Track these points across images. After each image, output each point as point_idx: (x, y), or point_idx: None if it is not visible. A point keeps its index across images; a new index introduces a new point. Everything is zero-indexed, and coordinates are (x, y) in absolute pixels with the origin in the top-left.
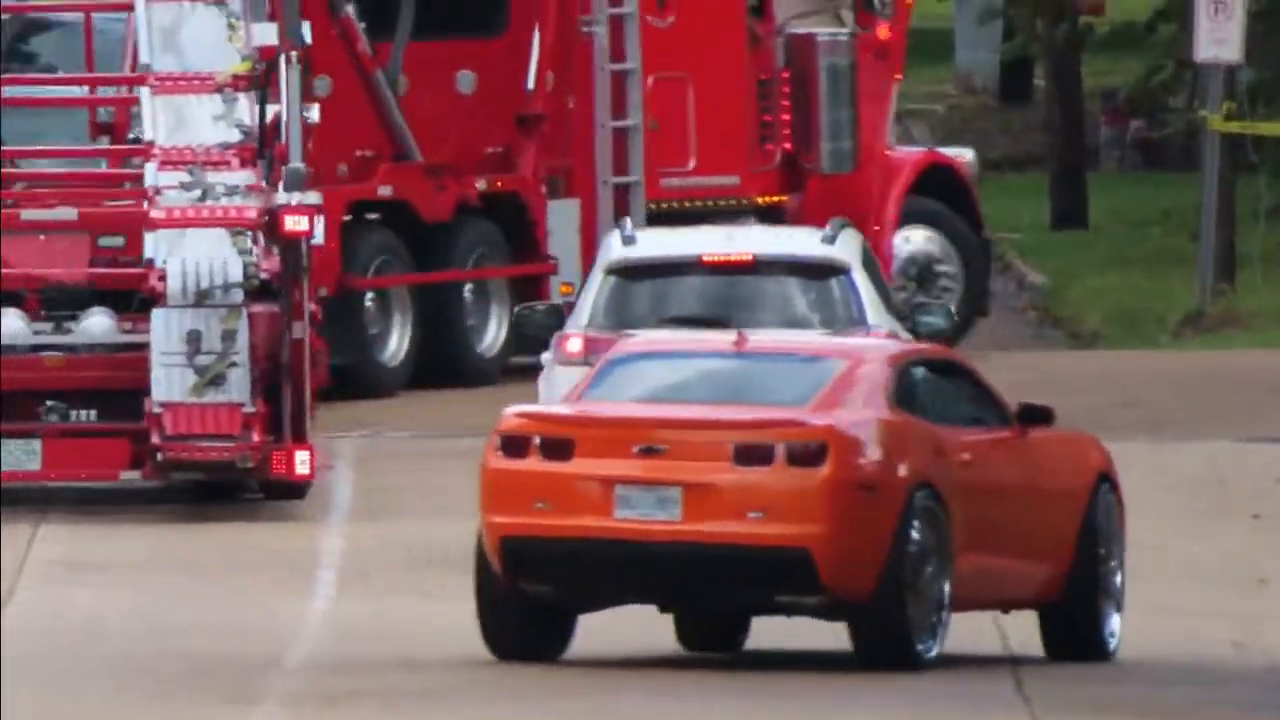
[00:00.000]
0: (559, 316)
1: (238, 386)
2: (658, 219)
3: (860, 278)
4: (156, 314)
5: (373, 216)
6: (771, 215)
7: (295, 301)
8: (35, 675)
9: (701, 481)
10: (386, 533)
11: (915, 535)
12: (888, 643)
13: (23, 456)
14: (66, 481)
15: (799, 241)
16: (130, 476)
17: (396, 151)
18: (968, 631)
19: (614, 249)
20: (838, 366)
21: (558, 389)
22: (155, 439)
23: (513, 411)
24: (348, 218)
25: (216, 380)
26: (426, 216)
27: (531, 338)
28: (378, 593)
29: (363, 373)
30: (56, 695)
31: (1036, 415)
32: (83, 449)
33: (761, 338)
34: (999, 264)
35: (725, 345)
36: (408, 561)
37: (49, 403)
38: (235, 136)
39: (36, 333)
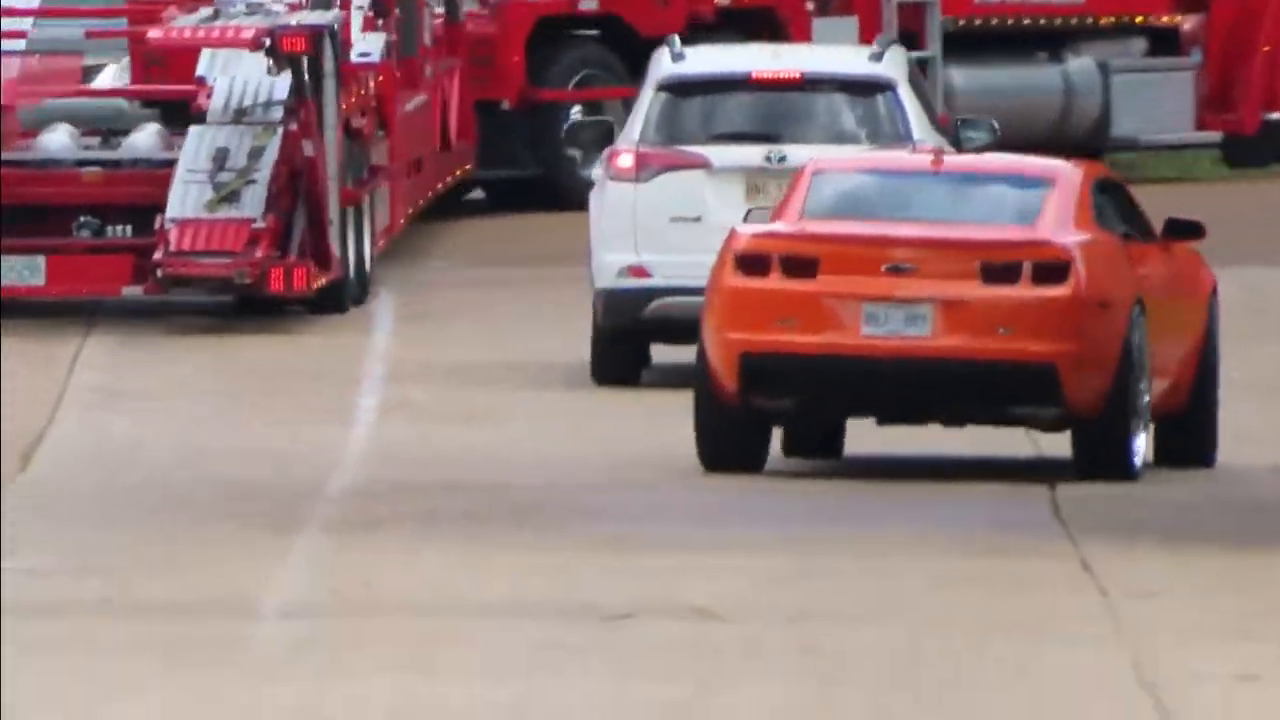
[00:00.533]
0: (609, 131)
1: (251, 203)
2: (960, 42)
3: (906, 94)
4: (193, 130)
5: (586, 33)
6: (1163, 40)
7: (303, 120)
8: (75, 503)
9: (952, 298)
10: (429, 357)
11: (1134, 350)
12: (1111, 454)
13: (26, 272)
14: (68, 297)
15: (846, 59)
16: (132, 291)
17: None
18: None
19: (664, 65)
20: (1045, 187)
21: (610, 203)
22: (158, 255)
23: (749, 231)
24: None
25: (231, 197)
26: (644, 31)
27: (581, 151)
28: (419, 416)
29: (556, 185)
30: (96, 522)
31: (1185, 229)
32: (85, 265)
33: (955, 158)
34: None
35: (924, 164)
36: (449, 385)
37: (83, 218)
38: None
39: (85, 148)
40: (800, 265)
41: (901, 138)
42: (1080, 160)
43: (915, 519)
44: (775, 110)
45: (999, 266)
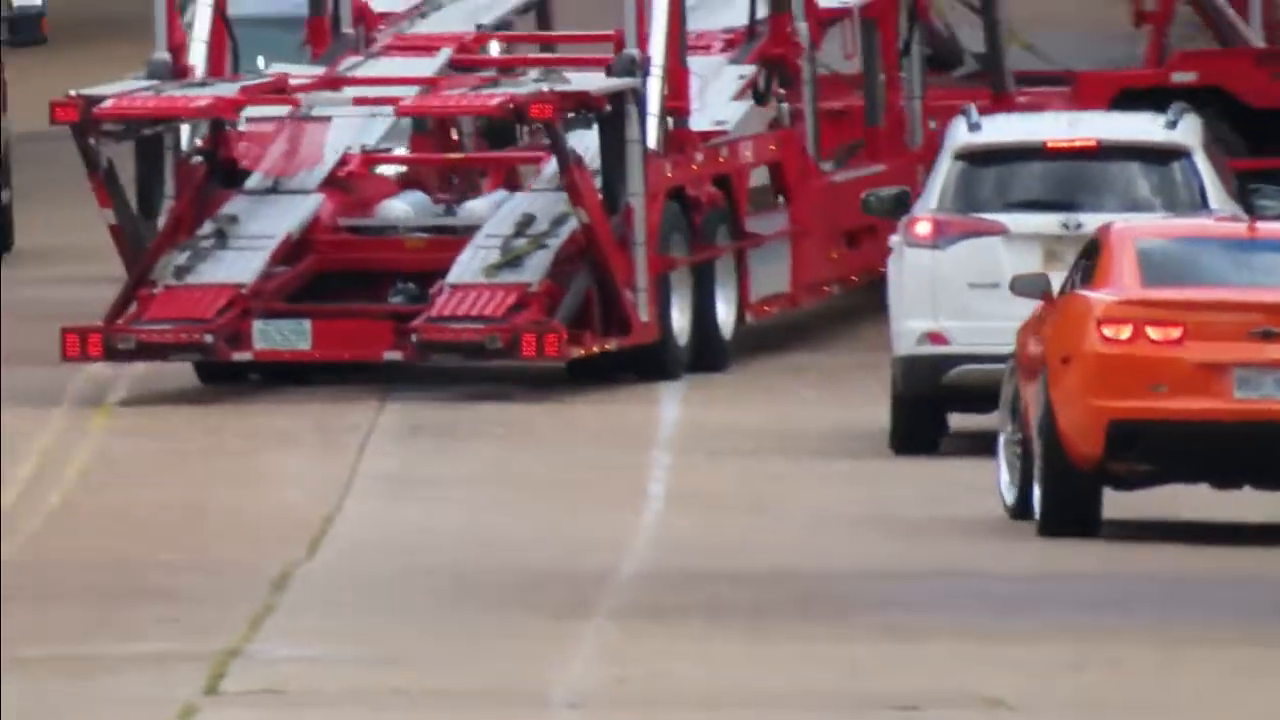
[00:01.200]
0: (905, 200)
1: (533, 268)
2: None
3: (1202, 161)
4: (513, 196)
5: None
6: None
7: (568, 185)
8: (367, 590)
9: None
10: (716, 447)
11: None
12: None
13: (293, 336)
14: (331, 360)
15: (1141, 126)
16: (393, 356)
17: (1223, 40)
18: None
19: (960, 135)
20: None
21: (909, 270)
22: (418, 320)
23: (1115, 299)
24: None
25: (514, 261)
26: (1255, 102)
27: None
28: (707, 507)
29: None
30: (388, 609)
31: None
32: (349, 329)
33: (1268, 225)
34: None
35: (1241, 231)
36: (737, 479)
37: (400, 284)
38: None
39: (433, 213)
40: (1166, 331)
41: (1198, 204)
42: None
43: (1199, 605)
44: (1071, 178)
45: None
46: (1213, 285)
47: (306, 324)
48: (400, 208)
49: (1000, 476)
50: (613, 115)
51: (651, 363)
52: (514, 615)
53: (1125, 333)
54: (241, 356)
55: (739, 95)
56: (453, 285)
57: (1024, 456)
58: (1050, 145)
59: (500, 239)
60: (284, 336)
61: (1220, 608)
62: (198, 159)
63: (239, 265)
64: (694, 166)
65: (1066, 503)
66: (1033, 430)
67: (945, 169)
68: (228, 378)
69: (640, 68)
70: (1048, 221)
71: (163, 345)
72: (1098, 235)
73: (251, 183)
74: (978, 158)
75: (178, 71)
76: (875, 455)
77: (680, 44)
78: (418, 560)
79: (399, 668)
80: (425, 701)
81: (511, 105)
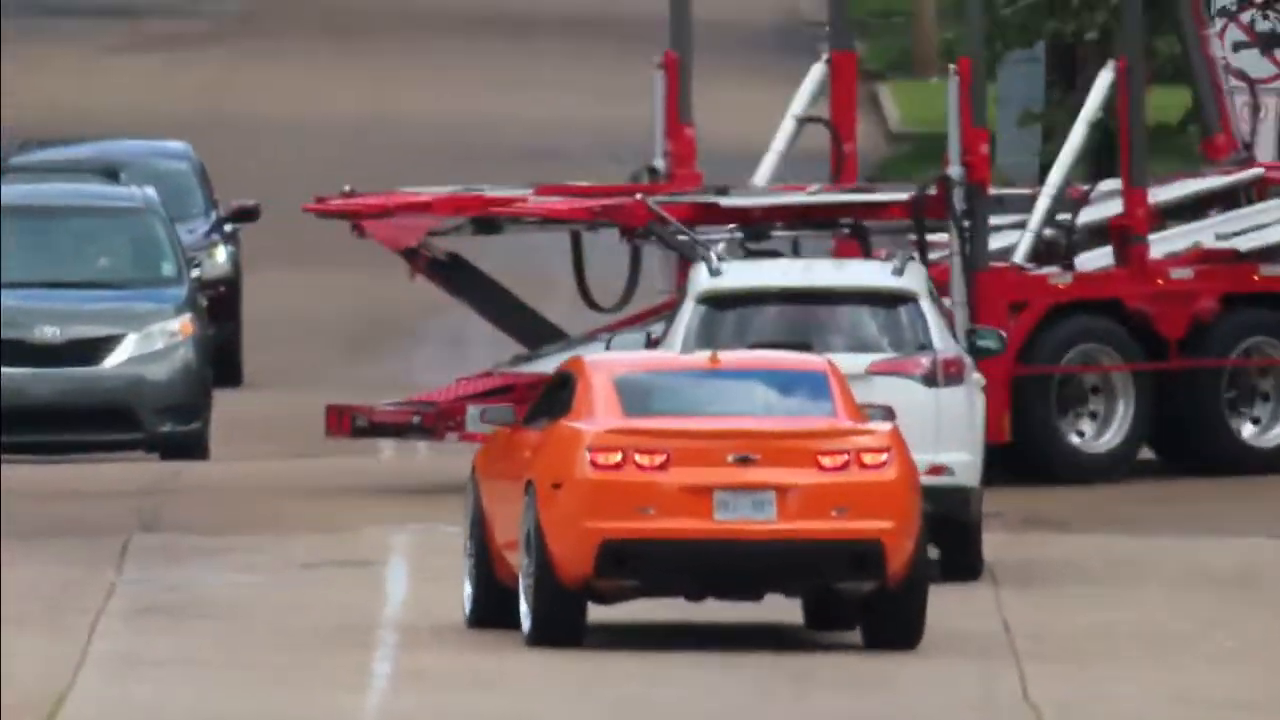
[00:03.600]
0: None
1: None
2: None
3: (926, 305)
4: None
5: None
6: None
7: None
8: None
9: (792, 484)
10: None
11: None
12: (911, 620)
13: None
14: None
15: (870, 273)
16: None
17: None
18: None
19: (702, 279)
20: (819, 378)
21: None
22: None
23: (603, 428)
24: None
25: None
26: None
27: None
28: (433, 687)
29: None
30: None
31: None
32: None
33: (727, 355)
34: None
35: (703, 362)
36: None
37: None
38: None
39: None
40: (653, 457)
41: (923, 345)
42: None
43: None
44: (806, 321)
45: (832, 453)
46: (689, 414)
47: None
48: None
49: (465, 589)
50: None
51: None
52: None
53: (615, 459)
54: (450, 438)
55: None
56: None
57: (479, 570)
58: (785, 289)
59: None
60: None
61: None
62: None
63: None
64: None
65: (555, 617)
66: (502, 547)
67: (689, 313)
68: None
69: None
70: None
71: (386, 425)
72: (570, 369)
73: None
74: (719, 302)
75: None
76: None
77: None
78: None
79: None
80: None
81: (600, 210)
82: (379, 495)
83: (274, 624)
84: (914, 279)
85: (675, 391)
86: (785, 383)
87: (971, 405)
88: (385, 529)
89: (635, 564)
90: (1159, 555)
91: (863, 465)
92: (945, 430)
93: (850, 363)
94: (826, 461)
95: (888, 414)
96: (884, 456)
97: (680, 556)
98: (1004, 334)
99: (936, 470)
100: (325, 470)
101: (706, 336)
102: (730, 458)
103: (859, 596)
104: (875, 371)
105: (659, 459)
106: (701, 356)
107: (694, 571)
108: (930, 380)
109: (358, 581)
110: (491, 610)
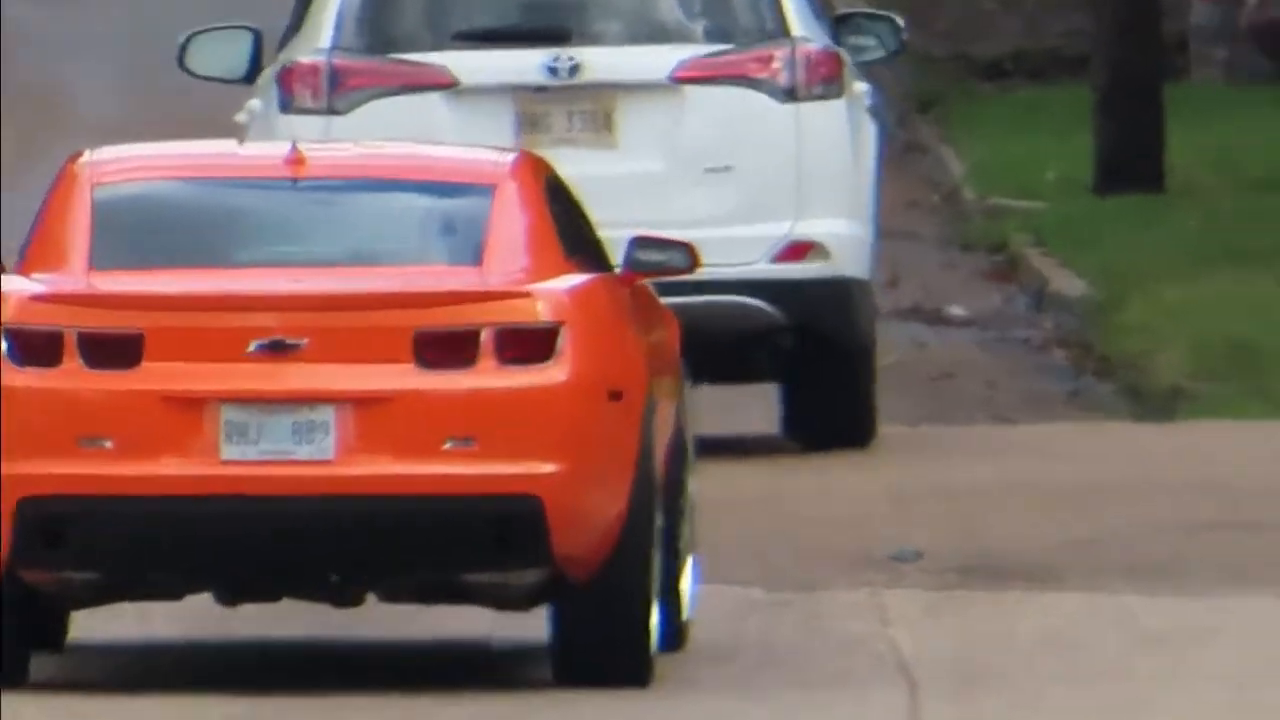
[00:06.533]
0: (254, 43)
1: None
2: None
3: None
4: None
5: None
6: None
7: None
8: None
9: (369, 394)
10: None
11: (654, 468)
12: (619, 636)
13: None
14: None
15: None
16: None
17: None
18: None
19: None
20: (480, 196)
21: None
22: None
23: (28, 293)
24: None
25: None
26: None
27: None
28: None
29: None
30: None
31: (659, 256)
32: None
33: (322, 152)
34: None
35: (275, 165)
36: None
37: None
38: None
39: None
40: (110, 346)
41: (770, 35)
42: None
43: None
44: None
45: (444, 337)
46: (197, 265)
47: None
48: None
49: None
50: None
51: None
52: None
53: (47, 351)
54: None
55: None
56: None
57: None
58: None
59: None
60: None
61: None
62: None
63: None
64: None
65: None
66: None
67: None
68: None
69: None
70: (524, 63)
71: None
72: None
73: None
74: None
75: None
76: None
77: None
78: None
79: None
80: None
81: None
82: None
83: None
84: None
85: (194, 223)
86: (415, 205)
87: (855, 136)
88: None
89: (82, 540)
90: None
91: (508, 358)
92: (812, 180)
93: (644, 62)
94: (437, 353)
95: (682, 257)
96: (555, 342)
97: (161, 527)
98: (901, 22)
99: (796, 250)
100: None
101: (375, 25)
102: (253, 345)
103: (520, 597)
104: (683, 79)
105: (125, 351)
106: (273, 154)
107: (186, 553)
108: (787, 91)
109: None
110: None
